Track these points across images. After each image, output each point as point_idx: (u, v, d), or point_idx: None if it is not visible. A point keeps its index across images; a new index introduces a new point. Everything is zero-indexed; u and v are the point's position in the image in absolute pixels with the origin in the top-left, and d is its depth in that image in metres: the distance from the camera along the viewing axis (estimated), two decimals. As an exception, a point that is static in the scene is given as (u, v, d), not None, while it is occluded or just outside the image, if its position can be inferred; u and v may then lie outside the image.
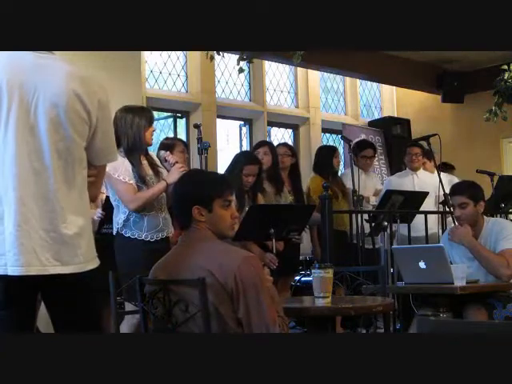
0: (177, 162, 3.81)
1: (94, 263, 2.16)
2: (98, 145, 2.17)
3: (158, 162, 3.89)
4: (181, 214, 2.53)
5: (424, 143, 5.28)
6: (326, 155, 5.71)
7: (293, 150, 5.50)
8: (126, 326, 3.55)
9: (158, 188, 3.71)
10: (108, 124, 2.22)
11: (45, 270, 2.03)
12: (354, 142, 6.43)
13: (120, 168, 3.66)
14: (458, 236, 3.84)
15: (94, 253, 2.19)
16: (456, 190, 3.99)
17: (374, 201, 5.64)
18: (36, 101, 2.02)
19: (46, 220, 2.04)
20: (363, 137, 8.09)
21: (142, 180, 3.71)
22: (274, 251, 4.29)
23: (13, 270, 2.01)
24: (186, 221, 2.48)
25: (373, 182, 6.09)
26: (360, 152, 5.95)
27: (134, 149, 3.70)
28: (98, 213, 3.89)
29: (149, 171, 3.79)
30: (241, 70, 6.14)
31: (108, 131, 2.22)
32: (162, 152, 4.02)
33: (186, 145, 4.92)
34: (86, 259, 2.12)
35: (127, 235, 3.69)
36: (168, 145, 4.65)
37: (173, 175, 3.71)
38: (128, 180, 3.66)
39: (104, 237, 3.77)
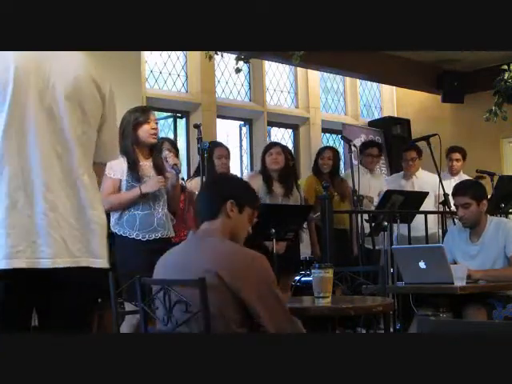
0: (175, 165, 3.81)
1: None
2: (105, 137, 2.07)
3: (167, 165, 3.87)
4: (211, 203, 2.49)
5: (424, 143, 5.28)
6: (316, 156, 5.74)
7: (291, 153, 5.52)
8: (126, 326, 3.55)
9: (131, 194, 3.69)
10: (114, 116, 2.12)
11: (75, 262, 1.86)
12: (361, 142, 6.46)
13: (115, 167, 3.66)
14: (474, 278, 3.73)
15: None
16: (458, 190, 3.99)
17: (377, 201, 5.61)
18: (53, 84, 1.93)
19: (76, 208, 1.88)
20: (363, 137, 8.10)
21: (137, 180, 3.70)
22: (275, 252, 4.29)
23: (40, 263, 1.82)
24: (213, 211, 2.45)
25: (379, 183, 6.07)
26: (365, 150, 5.98)
27: (123, 146, 3.70)
28: None
29: (150, 172, 3.78)
30: (238, 70, 6.15)
31: (115, 125, 2.13)
32: (166, 152, 4.02)
33: (175, 145, 4.85)
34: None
35: (120, 233, 3.70)
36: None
37: (149, 185, 3.69)
38: (119, 176, 3.68)
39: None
